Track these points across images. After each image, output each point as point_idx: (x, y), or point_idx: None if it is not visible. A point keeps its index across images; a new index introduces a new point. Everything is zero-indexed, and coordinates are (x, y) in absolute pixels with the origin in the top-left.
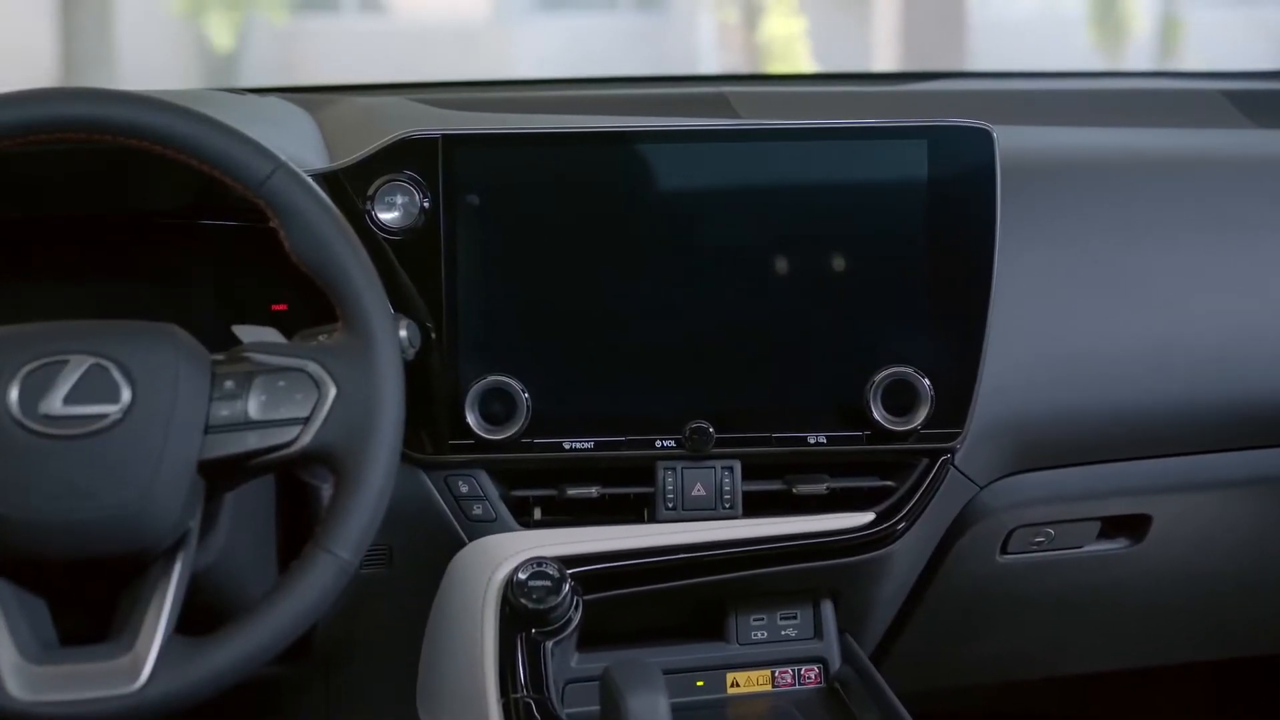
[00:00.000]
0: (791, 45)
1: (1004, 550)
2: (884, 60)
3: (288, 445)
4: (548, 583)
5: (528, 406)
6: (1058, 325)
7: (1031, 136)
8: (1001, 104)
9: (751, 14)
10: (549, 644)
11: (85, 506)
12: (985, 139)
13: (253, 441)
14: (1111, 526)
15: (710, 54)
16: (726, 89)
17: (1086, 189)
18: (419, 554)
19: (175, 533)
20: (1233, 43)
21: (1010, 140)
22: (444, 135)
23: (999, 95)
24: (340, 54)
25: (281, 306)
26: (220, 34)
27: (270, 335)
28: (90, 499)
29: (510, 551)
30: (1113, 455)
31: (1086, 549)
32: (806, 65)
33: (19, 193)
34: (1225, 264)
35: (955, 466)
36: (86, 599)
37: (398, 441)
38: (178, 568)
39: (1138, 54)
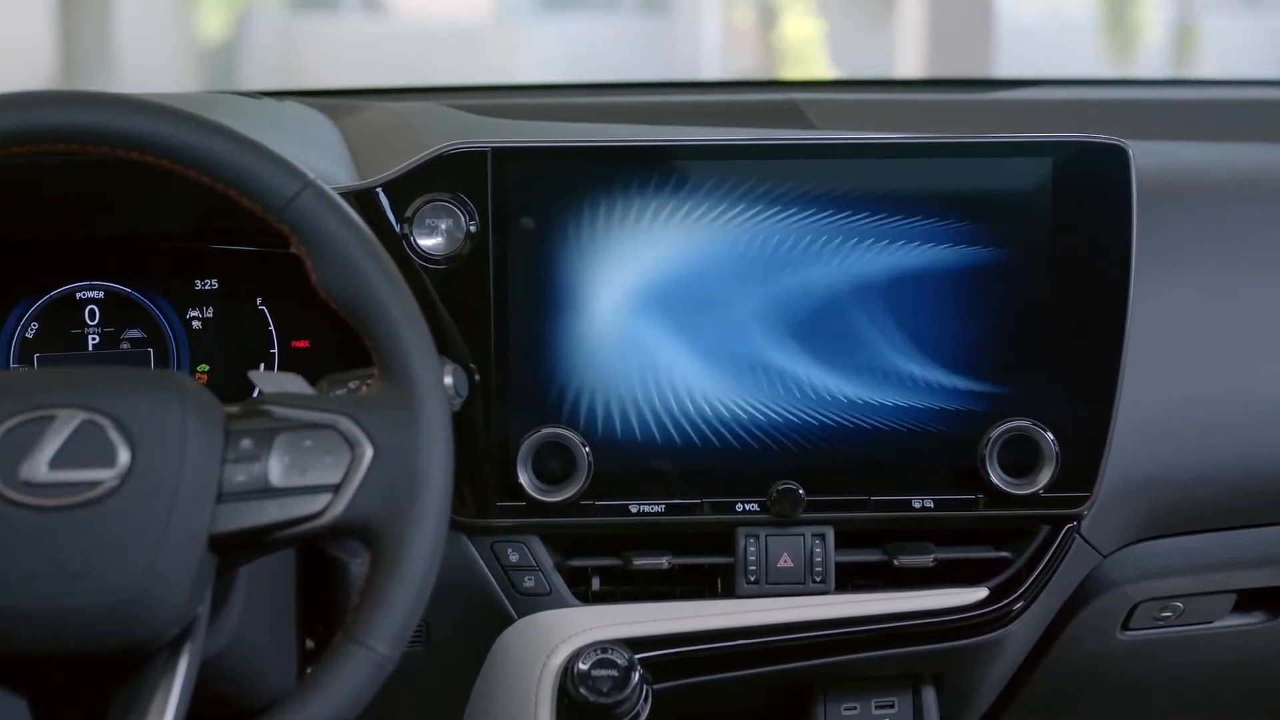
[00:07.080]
0: (809, 49)
1: (1126, 626)
2: (907, 66)
3: (315, 517)
4: (614, 673)
5: (589, 463)
6: (1197, 371)
7: (1163, 153)
8: (1122, 115)
9: (766, 16)
10: None
11: (76, 591)
12: (1119, 157)
13: (274, 512)
14: (1248, 599)
15: (716, 57)
16: (797, 95)
17: (1230, 214)
18: (460, 631)
19: (181, 620)
20: (1246, 50)
21: (1141, 158)
22: (494, 148)
23: (1117, 105)
24: (341, 55)
25: (303, 343)
26: (212, 23)
27: (293, 383)
28: (82, 582)
29: (567, 631)
30: (1254, 520)
31: (1219, 624)
32: (826, 70)
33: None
34: None
35: (1080, 535)
36: (76, 698)
37: (445, 513)
38: (184, 661)
39: (1151, 62)
